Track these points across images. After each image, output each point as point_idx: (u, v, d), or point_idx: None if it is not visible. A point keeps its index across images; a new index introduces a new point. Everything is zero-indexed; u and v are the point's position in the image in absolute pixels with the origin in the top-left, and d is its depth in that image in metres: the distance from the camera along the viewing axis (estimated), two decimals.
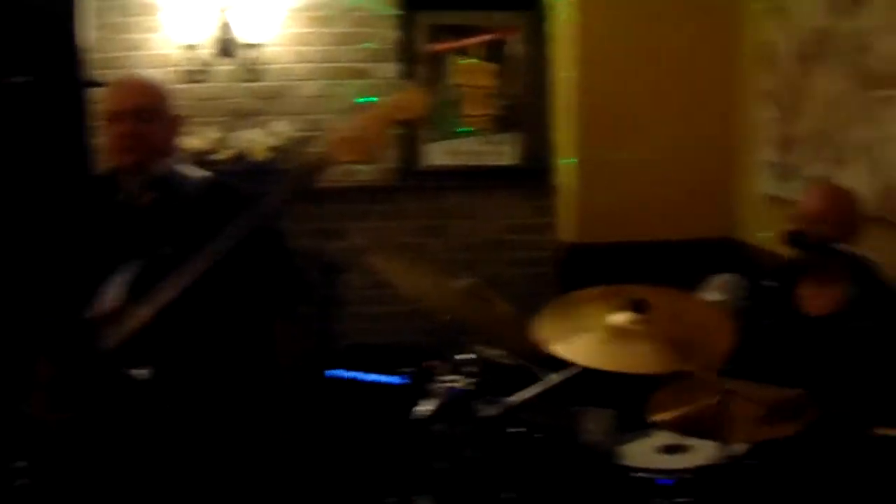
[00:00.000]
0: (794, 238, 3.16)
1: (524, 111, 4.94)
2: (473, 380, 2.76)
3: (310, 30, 4.84)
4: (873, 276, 3.15)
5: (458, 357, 2.92)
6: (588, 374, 2.59)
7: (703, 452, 2.73)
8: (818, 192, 3.29)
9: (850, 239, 3.14)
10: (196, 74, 4.77)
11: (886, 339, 3.01)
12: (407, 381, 4.09)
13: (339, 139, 2.55)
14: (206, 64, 4.77)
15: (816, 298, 3.23)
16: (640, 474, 2.71)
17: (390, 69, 4.88)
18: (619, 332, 2.46)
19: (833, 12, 3.89)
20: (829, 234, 3.09)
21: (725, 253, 4.79)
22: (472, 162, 4.91)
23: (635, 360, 2.40)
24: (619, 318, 2.48)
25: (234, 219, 2.50)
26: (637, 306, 2.45)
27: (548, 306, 2.64)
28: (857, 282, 3.12)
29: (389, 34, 4.87)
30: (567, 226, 4.92)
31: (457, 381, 2.69)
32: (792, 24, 4.24)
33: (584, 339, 2.49)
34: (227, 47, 4.73)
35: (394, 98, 2.64)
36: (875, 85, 3.66)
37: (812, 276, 3.24)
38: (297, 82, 4.87)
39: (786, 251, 3.27)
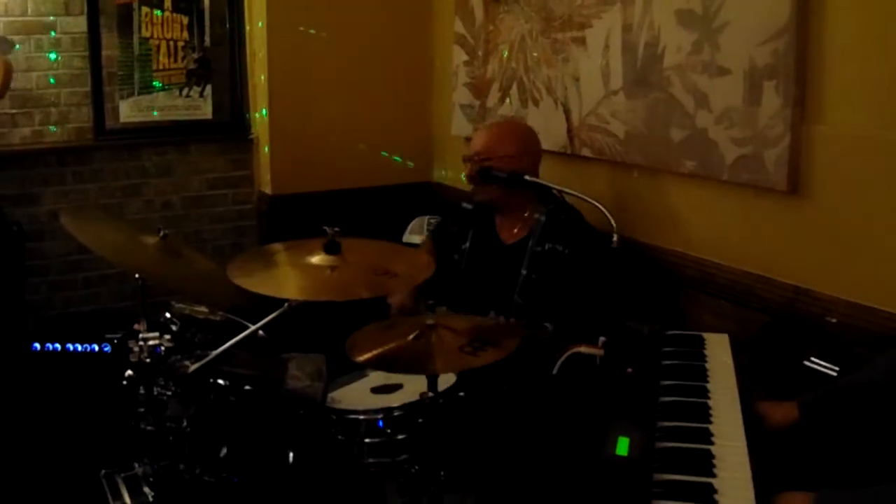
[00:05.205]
0: (479, 174, 3.28)
1: (217, 64, 4.83)
2: (173, 337, 2.68)
3: None
4: (560, 203, 3.32)
5: (162, 316, 2.84)
6: (295, 319, 2.59)
7: (416, 388, 2.74)
8: (483, 130, 3.44)
9: (531, 170, 3.29)
10: None
11: (574, 261, 3.18)
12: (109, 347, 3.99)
13: None
14: None
15: (508, 227, 3.37)
16: (352, 416, 2.71)
17: (78, 22, 4.58)
18: (316, 270, 2.50)
19: None
20: (506, 167, 3.23)
21: (426, 196, 4.91)
22: (167, 117, 4.75)
23: (336, 288, 2.46)
24: (315, 259, 2.52)
25: None
26: (329, 248, 2.49)
27: (241, 257, 2.64)
28: (544, 209, 3.28)
29: None
30: (266, 178, 4.87)
31: (156, 340, 2.60)
32: None
33: (284, 277, 2.57)
34: None
35: None
36: (558, 28, 3.83)
37: (503, 208, 3.38)
38: None
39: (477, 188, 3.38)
